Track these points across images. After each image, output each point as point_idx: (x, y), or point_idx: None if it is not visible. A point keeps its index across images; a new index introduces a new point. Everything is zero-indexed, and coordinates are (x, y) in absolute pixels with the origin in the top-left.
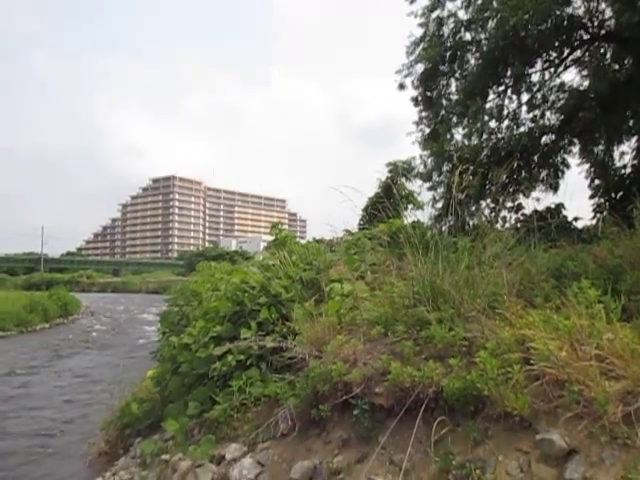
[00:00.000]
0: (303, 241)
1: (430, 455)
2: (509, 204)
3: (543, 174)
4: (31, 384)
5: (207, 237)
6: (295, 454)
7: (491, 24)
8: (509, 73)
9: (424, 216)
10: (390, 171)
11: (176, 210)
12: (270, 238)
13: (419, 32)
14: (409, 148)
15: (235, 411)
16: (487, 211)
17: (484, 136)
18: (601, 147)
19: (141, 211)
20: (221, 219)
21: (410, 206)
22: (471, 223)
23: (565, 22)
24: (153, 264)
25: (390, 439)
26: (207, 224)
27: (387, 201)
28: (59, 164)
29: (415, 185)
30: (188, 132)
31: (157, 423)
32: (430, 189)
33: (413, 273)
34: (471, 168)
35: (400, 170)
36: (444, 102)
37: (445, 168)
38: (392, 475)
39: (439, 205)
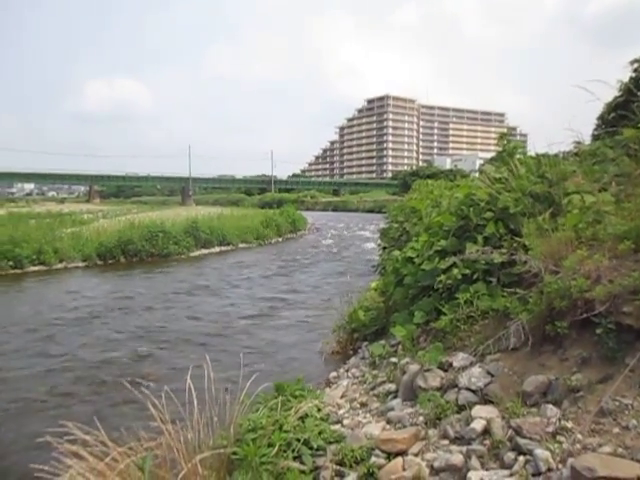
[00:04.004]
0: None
1: None
2: None
3: None
4: (275, 287)
5: (421, 156)
6: (527, 368)
7: None
8: None
9: None
10: (635, 70)
11: (390, 130)
12: (487, 155)
13: None
14: None
15: (462, 322)
16: None
17: None
18: None
19: (356, 132)
20: (435, 137)
21: None
22: None
23: None
24: (369, 184)
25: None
26: (420, 143)
27: (632, 104)
28: (283, 94)
29: None
30: (400, 49)
31: (382, 330)
32: None
33: None
34: None
35: None
36: None
37: None
38: None
39: None
